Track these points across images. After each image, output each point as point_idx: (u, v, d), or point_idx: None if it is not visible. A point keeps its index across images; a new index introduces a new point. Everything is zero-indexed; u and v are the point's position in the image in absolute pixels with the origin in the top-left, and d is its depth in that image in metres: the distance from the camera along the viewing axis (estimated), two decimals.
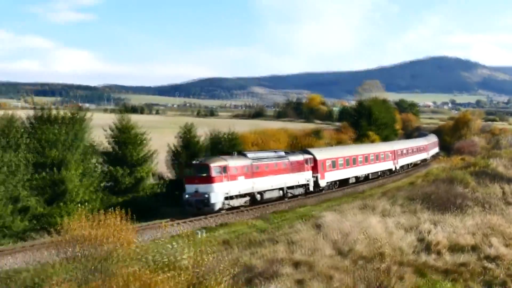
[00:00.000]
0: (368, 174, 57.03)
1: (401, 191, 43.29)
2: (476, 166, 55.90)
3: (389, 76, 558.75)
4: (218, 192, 35.91)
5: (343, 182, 51.64)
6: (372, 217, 31.48)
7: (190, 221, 34.04)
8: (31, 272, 21.82)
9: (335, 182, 50.36)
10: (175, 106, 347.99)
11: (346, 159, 51.95)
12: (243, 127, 76.91)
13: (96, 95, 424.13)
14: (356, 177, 54.35)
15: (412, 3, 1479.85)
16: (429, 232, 28.03)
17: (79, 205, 24.46)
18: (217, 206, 36.05)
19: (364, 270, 17.36)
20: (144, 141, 42.74)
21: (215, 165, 36.25)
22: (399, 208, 35.12)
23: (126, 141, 41.47)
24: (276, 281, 20.16)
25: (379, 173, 60.04)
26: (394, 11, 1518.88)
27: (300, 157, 45.07)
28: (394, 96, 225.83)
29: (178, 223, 31.66)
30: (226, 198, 36.77)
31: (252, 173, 39.04)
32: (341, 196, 45.01)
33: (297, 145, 74.32)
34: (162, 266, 16.08)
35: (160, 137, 48.46)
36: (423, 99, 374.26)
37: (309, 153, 47.21)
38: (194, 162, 37.48)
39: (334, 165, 49.66)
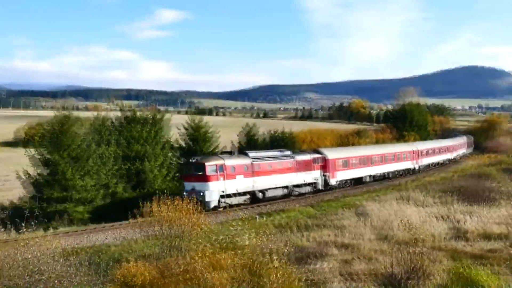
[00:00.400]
0: (385, 173, 50.80)
1: (434, 185, 41.95)
2: (503, 163, 53.50)
3: (425, 83, 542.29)
4: (213, 191, 31.77)
5: (357, 181, 46.34)
6: (408, 207, 30.74)
7: (251, 207, 33.92)
8: (118, 247, 22.46)
9: (347, 181, 45.05)
10: (239, 108, 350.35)
11: (360, 159, 46.65)
12: (296, 127, 76.68)
13: (173, 99, 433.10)
14: (372, 176, 48.46)
15: (447, 19, 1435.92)
16: (459, 221, 27.09)
17: (157, 191, 25.09)
18: (212, 204, 31.87)
19: (401, 253, 16.86)
20: (213, 138, 43.26)
21: (211, 163, 32.21)
22: (432, 199, 34.11)
23: (197, 138, 42.09)
24: (325, 260, 19.95)
25: (398, 172, 53.62)
26: (430, 26, 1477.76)
27: (307, 157, 40.34)
28: (429, 101, 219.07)
29: (241, 209, 31.70)
30: (223, 196, 32.59)
31: (253, 171, 34.63)
32: (380, 188, 43.73)
33: (343, 143, 73.61)
34: (226, 245, 16.14)
35: (225, 135, 48.83)
36: (455, 104, 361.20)
37: (319, 152, 42.46)
38: (191, 160, 33.41)
39: (346, 164, 44.41)
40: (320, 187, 41.16)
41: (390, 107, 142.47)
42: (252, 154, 35.71)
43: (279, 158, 37.58)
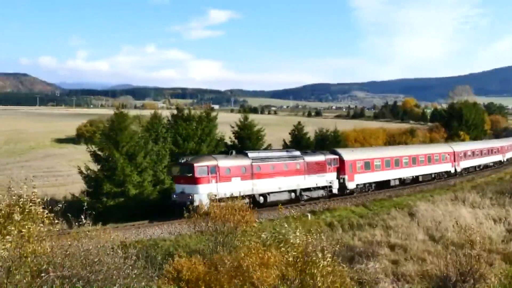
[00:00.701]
0: (416, 176, 46.20)
1: (490, 186, 40.39)
2: None
3: (479, 81, 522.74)
4: (203, 194, 27.95)
5: (383, 185, 41.90)
6: (462, 208, 29.79)
7: (302, 205, 33.68)
8: (172, 241, 22.91)
9: (369, 184, 40.82)
10: (287, 107, 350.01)
11: (385, 160, 42.27)
12: (345, 126, 75.84)
13: (222, 97, 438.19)
14: (400, 179, 44.07)
15: (502, 15, 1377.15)
16: None
17: None
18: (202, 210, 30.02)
19: (456, 255, 16.34)
20: (260, 136, 43.35)
21: (201, 165, 29.26)
22: (488, 201, 32.88)
23: (246, 135, 42.29)
24: (375, 260, 19.64)
25: (433, 176, 48.63)
26: (484, 24, 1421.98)
27: (320, 158, 36.35)
28: (483, 99, 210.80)
29: (291, 206, 31.57)
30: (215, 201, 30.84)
31: (252, 174, 31.51)
32: (433, 188, 42.44)
33: (393, 142, 72.16)
34: (275, 242, 16.13)
35: (274, 133, 48.94)
36: (508, 103, 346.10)
37: (335, 153, 38.54)
38: (180, 161, 30.62)
39: (367, 166, 40.26)
40: (335, 191, 37.16)
41: (444, 106, 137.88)
42: (252, 154, 32.78)
43: (285, 159, 34.22)
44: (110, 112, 34.32)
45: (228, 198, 27.77)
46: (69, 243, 13.09)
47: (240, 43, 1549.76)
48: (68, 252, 12.56)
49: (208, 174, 29.15)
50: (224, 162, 30.27)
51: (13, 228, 10.72)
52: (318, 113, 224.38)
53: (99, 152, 32.74)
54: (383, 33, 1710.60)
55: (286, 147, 46.67)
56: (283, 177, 33.23)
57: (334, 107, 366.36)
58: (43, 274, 11.25)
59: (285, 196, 33.69)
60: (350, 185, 38.59)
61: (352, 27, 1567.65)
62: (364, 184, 40.19)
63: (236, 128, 43.11)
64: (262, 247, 15.23)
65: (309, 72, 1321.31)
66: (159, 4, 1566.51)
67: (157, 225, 27.32)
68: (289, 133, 48.98)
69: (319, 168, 35.79)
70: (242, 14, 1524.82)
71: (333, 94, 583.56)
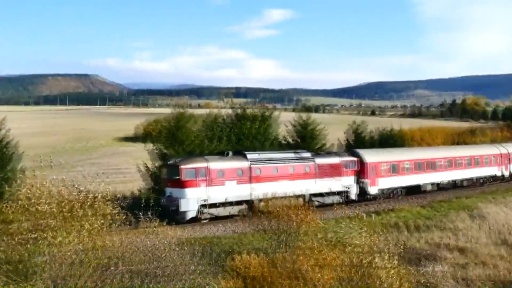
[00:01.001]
0: (455, 180, 41.73)
1: None
2: None
3: None
4: (190, 199, 26.58)
5: (413, 190, 38.03)
6: None
7: (365, 205, 32.94)
8: (229, 239, 23.02)
9: (396, 189, 36.96)
10: (347, 106, 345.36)
11: (416, 163, 38.22)
12: (406, 125, 73.82)
13: (281, 96, 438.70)
14: (435, 184, 39.83)
15: None
16: None
17: None
18: (189, 215, 26.83)
19: None
20: (320, 136, 42.83)
21: (187, 167, 26.96)
22: None
23: (304, 135, 41.91)
24: (437, 263, 18.90)
25: (476, 180, 43.95)
26: None
27: (334, 160, 33.29)
28: None
29: (354, 206, 30.95)
30: (205, 206, 27.23)
31: (251, 177, 28.99)
32: (496, 190, 39.87)
33: (457, 141, 69.31)
34: (334, 243, 15.84)
35: (333, 132, 48.12)
36: None
37: (355, 154, 35.19)
38: (168, 162, 28.70)
39: (394, 169, 36.46)
40: (353, 196, 33.85)
41: None
42: (251, 155, 29.94)
43: (291, 161, 31.34)
44: (173, 111, 35.05)
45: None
46: (137, 238, 13.44)
47: (299, 42, 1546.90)
48: (136, 248, 12.88)
49: (196, 177, 27.00)
50: (216, 164, 28.08)
51: (85, 223, 11.09)
52: (378, 112, 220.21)
53: (156, 151, 33.48)
54: (447, 28, 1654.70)
55: (348, 146, 45.84)
56: (289, 181, 30.45)
57: (393, 105, 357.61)
58: (112, 268, 11.58)
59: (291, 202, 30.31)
60: (372, 190, 35.14)
61: (414, 24, 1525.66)
62: (390, 189, 36.50)
63: (296, 127, 42.84)
64: (324, 247, 14.99)
65: (368, 70, 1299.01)
66: (219, 5, 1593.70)
67: (220, 222, 27.49)
68: (344, 132, 48.09)
69: (334, 171, 32.76)
70: (300, 13, 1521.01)
71: (393, 93, 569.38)
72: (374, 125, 52.04)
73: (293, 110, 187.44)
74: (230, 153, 30.01)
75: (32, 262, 9.86)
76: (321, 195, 32.18)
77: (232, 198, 28.19)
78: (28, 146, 47.26)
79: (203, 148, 33.66)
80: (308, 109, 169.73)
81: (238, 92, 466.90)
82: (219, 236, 24.18)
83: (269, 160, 30.30)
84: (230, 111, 41.78)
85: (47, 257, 10.49)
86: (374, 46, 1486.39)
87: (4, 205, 11.14)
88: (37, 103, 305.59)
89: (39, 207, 10.93)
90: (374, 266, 13.57)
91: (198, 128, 35.86)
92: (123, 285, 11.37)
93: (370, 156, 35.80)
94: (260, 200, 27.89)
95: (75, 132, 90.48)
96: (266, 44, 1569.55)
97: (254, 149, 36.05)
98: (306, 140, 41.30)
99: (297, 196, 30.15)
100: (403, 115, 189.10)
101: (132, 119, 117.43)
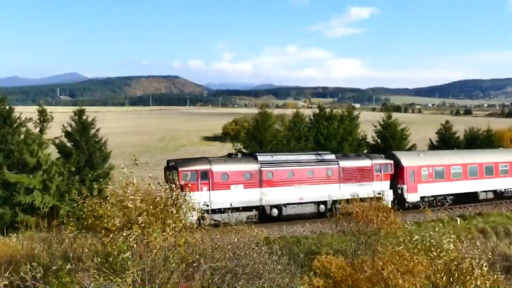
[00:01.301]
0: None
1: None
2: None
3: None
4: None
5: (465, 197, 33.77)
6: None
7: (451, 208, 31.66)
8: (314, 240, 23.12)
9: (443, 196, 33.13)
10: (432, 105, 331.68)
11: (469, 168, 33.88)
12: (498, 125, 69.67)
13: (363, 96, 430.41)
14: (495, 192, 35.00)
15: None
16: None
17: None
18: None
19: None
20: (405, 136, 41.91)
21: (186, 169, 25.44)
22: None
23: (389, 135, 41.14)
24: None
25: None
26: None
27: (364, 162, 30.38)
28: None
29: (440, 210, 29.76)
30: (207, 212, 25.17)
31: (261, 180, 27.02)
32: None
33: None
34: (423, 248, 15.32)
35: (418, 132, 46.71)
36: None
37: (391, 157, 31.99)
38: (169, 164, 27.17)
39: (440, 174, 32.65)
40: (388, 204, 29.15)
41: None
42: (262, 157, 27.76)
43: (310, 163, 28.78)
44: (254, 111, 35.94)
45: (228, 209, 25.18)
46: (218, 236, 13.90)
47: (381, 40, 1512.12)
48: (217, 245, 13.32)
49: (197, 180, 25.55)
50: (220, 167, 26.39)
51: (171, 221, 11.63)
52: (467, 111, 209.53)
53: (244, 150, 34.26)
54: None
55: (432, 147, 44.32)
56: (307, 186, 28.28)
57: (485, 105, 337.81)
58: (195, 264, 12.06)
59: (309, 209, 28.64)
60: (411, 197, 31.76)
61: (509, 17, 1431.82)
62: (434, 196, 32.87)
63: (378, 127, 42.17)
64: (408, 251, 14.58)
65: (457, 68, 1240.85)
66: (299, 5, 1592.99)
67: (299, 222, 27.59)
68: (436, 133, 46.50)
69: (362, 175, 29.99)
70: (383, 10, 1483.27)
71: (485, 91, 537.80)
72: (464, 125, 50.03)
73: (373, 110, 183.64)
74: (239, 154, 29.01)
75: (123, 257, 10.47)
76: (346, 201, 28.42)
77: (238, 203, 26.56)
78: (119, 144, 50.12)
79: (289, 148, 34.11)
80: (393, 108, 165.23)
81: (321, 92, 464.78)
82: (298, 236, 24.34)
83: (284, 162, 28.20)
84: (314, 110, 41.96)
85: (137, 252, 11.09)
86: (462, 43, 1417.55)
87: (100, 201, 11.91)
88: (124, 104, 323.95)
89: (134, 204, 11.55)
90: (467, 272, 13.02)
91: (283, 128, 36.51)
92: (207, 282, 11.81)
93: (409, 159, 32.79)
94: (273, 207, 27.06)
95: (158, 132, 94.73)
96: (348, 43, 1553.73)
97: (341, 149, 35.53)
98: (395, 140, 40.60)
99: (318, 203, 28.48)
100: (500, 115, 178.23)
101: (213, 119, 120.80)
